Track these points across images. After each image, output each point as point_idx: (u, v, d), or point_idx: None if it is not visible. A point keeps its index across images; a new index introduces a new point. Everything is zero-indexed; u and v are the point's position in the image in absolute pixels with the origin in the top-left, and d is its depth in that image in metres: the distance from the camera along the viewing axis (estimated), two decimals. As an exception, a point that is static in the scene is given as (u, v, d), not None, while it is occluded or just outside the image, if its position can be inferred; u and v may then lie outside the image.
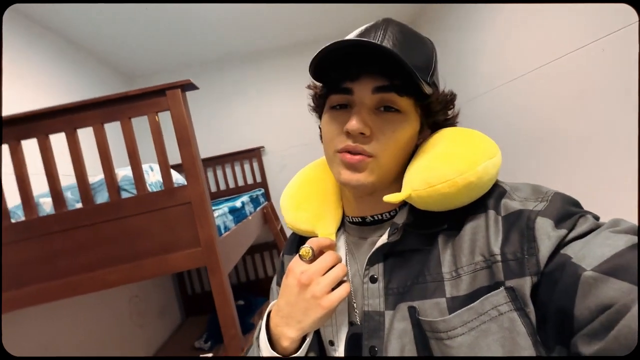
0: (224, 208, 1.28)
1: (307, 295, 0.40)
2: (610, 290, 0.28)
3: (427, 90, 0.40)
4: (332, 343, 0.45)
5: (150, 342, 1.98)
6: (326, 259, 0.42)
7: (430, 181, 0.38)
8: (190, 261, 0.96)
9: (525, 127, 1.72)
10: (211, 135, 2.63)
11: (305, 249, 0.42)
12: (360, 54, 0.39)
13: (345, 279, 0.43)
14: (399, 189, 0.43)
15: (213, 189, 2.65)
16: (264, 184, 2.66)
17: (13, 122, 0.94)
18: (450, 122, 0.46)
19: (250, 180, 2.69)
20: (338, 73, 0.41)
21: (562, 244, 0.33)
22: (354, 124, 0.39)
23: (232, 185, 2.68)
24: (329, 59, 0.39)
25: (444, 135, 0.43)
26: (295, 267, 0.42)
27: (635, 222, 0.33)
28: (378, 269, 0.43)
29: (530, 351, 0.33)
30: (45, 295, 0.94)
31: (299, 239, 0.55)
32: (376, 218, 0.46)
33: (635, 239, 0.30)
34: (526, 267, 0.33)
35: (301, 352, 0.41)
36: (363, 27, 0.42)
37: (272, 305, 0.45)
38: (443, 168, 0.38)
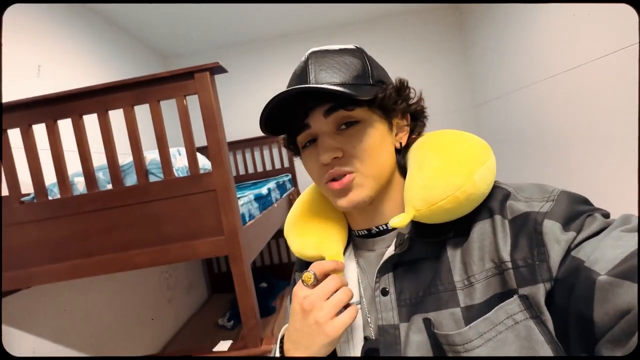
0: (249, 195, 1.26)
1: (311, 321, 0.39)
2: (627, 295, 0.27)
3: (367, 95, 0.40)
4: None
5: (177, 316, 2.08)
6: (329, 283, 0.41)
7: (431, 200, 0.38)
8: (214, 249, 0.95)
9: (557, 125, 1.57)
10: (240, 117, 2.62)
11: (307, 275, 0.41)
12: (301, 96, 0.41)
13: (351, 302, 0.42)
14: (396, 196, 0.45)
15: (241, 171, 2.68)
16: (291, 169, 2.64)
17: (50, 102, 0.95)
18: (417, 106, 0.47)
19: (277, 165, 2.68)
20: (291, 119, 0.44)
21: (573, 246, 0.32)
22: (323, 155, 0.41)
23: (260, 169, 2.68)
24: (276, 113, 0.42)
25: (434, 144, 0.43)
26: (298, 291, 0.41)
27: None
28: (388, 281, 0.43)
29: None
30: (80, 271, 0.98)
31: None
32: (381, 228, 0.46)
33: None
34: (538, 273, 0.33)
35: None
36: (296, 70, 0.44)
37: (284, 329, 0.45)
38: (441, 185, 0.38)
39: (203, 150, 1.07)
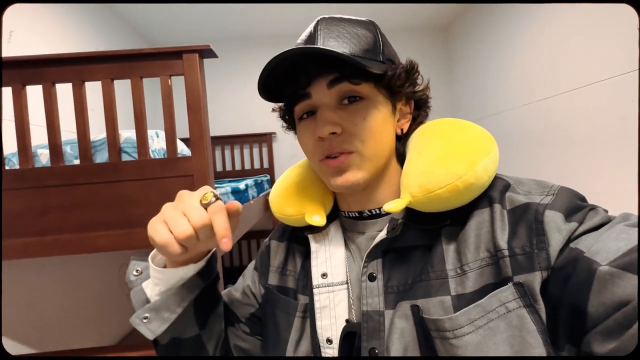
0: (226, 187, 1.23)
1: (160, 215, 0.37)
2: (627, 287, 0.26)
3: (378, 69, 0.38)
4: (329, 341, 0.42)
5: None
6: (213, 212, 0.35)
7: (429, 187, 0.37)
8: (184, 237, 0.91)
9: (533, 150, 1.65)
10: (222, 112, 2.57)
11: (207, 195, 0.36)
12: (305, 61, 0.39)
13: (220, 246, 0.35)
14: (392, 183, 0.44)
15: (219, 168, 2.61)
16: (270, 171, 2.61)
17: (20, 65, 0.89)
18: (422, 94, 0.45)
19: (257, 165, 2.64)
20: (291, 87, 0.41)
21: (573, 237, 0.32)
22: (321, 128, 0.39)
23: (238, 167, 2.63)
24: (277, 77, 0.40)
25: (437, 131, 0.42)
26: (179, 195, 0.38)
27: None
28: (376, 266, 0.41)
29: (540, 350, 0.31)
30: (32, 250, 0.89)
31: (291, 229, 0.52)
32: (374, 212, 0.44)
33: None
34: (536, 261, 0.32)
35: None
36: (303, 35, 0.42)
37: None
38: (441, 173, 0.37)
39: (184, 141, 1.04)
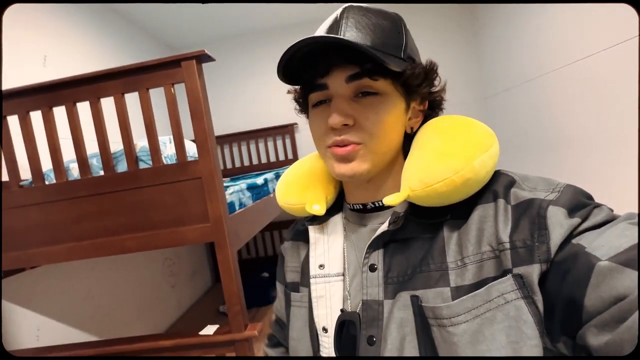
0: (241, 184, 1.28)
1: None
2: (625, 281, 0.26)
3: (397, 67, 0.38)
4: (325, 330, 0.44)
5: (180, 302, 2.14)
6: None
7: (426, 181, 0.38)
8: (200, 236, 0.97)
9: (565, 118, 1.50)
10: (246, 108, 2.64)
11: None
12: (327, 48, 0.39)
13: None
14: (397, 177, 0.44)
15: (245, 163, 2.70)
16: (295, 162, 2.65)
17: (46, 89, 0.98)
18: (437, 95, 0.45)
19: (282, 157, 2.69)
20: (309, 73, 0.41)
21: (575, 233, 0.32)
22: (334, 118, 0.39)
23: (264, 160, 2.70)
24: (298, 60, 0.40)
25: (439, 127, 0.42)
26: None
27: None
28: (377, 258, 0.42)
29: (536, 341, 0.32)
30: (74, 254, 1.02)
31: (298, 226, 0.56)
32: (377, 205, 0.45)
33: None
34: (536, 254, 0.32)
35: None
36: (327, 21, 0.42)
37: None
38: (439, 167, 0.37)
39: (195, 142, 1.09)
